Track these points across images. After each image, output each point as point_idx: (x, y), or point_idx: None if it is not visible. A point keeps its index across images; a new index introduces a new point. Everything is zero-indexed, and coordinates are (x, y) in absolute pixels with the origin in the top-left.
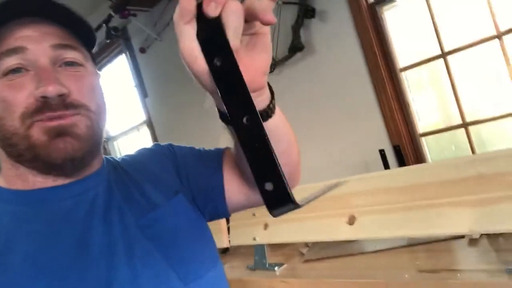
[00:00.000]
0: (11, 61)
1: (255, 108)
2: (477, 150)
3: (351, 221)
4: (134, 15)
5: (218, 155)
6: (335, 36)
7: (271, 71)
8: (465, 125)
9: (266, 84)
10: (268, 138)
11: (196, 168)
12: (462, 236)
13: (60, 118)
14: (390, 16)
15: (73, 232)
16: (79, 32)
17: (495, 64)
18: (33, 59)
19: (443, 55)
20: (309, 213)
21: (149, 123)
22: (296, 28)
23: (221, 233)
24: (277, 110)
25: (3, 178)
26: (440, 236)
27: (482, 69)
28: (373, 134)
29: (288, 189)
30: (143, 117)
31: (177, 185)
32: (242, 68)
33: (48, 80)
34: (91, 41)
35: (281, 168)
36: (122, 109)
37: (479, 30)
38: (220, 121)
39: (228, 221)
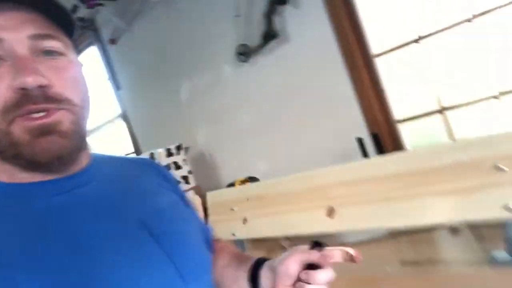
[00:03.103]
0: None
1: None
2: (455, 136)
3: (330, 213)
4: (101, 4)
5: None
6: (308, 23)
7: (245, 61)
8: (442, 110)
9: None
10: None
11: None
12: (445, 226)
13: (43, 116)
14: (362, 1)
15: (67, 229)
16: (58, 19)
17: (472, 47)
18: (10, 49)
19: (418, 39)
20: (288, 206)
21: (124, 117)
22: (269, 15)
23: None
24: None
25: None
26: (422, 227)
27: (457, 54)
28: (350, 122)
29: None
30: (118, 110)
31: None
32: None
33: (26, 70)
34: (71, 28)
35: None
36: (96, 103)
37: (455, 12)
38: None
39: (206, 216)
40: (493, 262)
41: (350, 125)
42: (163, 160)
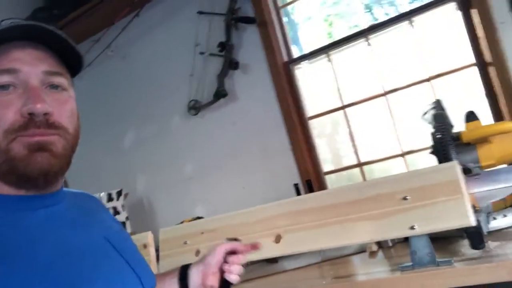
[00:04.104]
0: (2, 79)
1: None
2: None
3: (278, 239)
4: None
5: None
6: (255, 86)
7: (195, 114)
8: (360, 165)
9: None
10: None
11: None
12: (364, 251)
13: (41, 134)
14: (300, 73)
15: (54, 236)
16: (69, 58)
17: (383, 116)
18: (24, 80)
19: (343, 107)
20: (241, 236)
21: None
22: (221, 77)
23: (150, 263)
24: None
25: None
26: (348, 249)
27: (374, 119)
28: (286, 171)
29: None
30: None
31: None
32: None
33: (37, 99)
34: (78, 68)
35: None
36: None
37: (371, 88)
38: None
39: (157, 250)
40: (403, 270)
41: (286, 174)
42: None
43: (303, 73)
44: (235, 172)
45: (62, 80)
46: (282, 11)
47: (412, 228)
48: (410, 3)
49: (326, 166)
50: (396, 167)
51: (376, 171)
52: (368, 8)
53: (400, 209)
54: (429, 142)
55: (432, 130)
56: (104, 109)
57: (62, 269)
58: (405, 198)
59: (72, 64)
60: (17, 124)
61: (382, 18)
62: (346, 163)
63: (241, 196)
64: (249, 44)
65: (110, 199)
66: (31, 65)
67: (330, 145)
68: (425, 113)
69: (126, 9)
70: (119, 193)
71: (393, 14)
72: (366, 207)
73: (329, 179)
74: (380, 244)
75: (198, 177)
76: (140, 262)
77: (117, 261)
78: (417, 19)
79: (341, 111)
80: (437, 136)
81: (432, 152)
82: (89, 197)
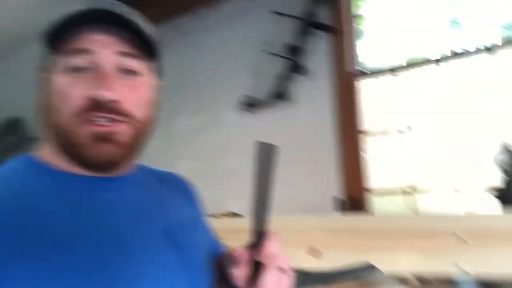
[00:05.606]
0: (77, 60)
1: None
2: (418, 211)
3: (313, 253)
4: None
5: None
6: (313, 93)
7: (249, 110)
8: (409, 191)
9: None
10: None
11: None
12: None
13: (108, 125)
14: (363, 86)
15: (106, 221)
16: (144, 41)
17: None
18: (97, 62)
19: (402, 128)
20: None
21: None
22: (283, 79)
23: None
24: None
25: (47, 153)
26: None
27: (433, 146)
28: (329, 183)
29: None
30: None
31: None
32: None
33: (104, 84)
34: (156, 53)
35: None
36: None
37: (435, 113)
38: None
39: None
40: None
41: (328, 185)
42: None
43: (366, 87)
44: (277, 173)
45: (135, 64)
46: (355, 22)
47: (463, 270)
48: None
49: (372, 185)
50: (447, 201)
51: (425, 201)
52: (448, 32)
53: (454, 249)
54: (491, 183)
55: (503, 175)
56: (165, 91)
57: (105, 257)
58: (462, 239)
59: (151, 48)
60: (84, 107)
61: (460, 44)
62: (394, 185)
63: (278, 199)
64: (316, 50)
65: None
66: (104, 46)
67: (381, 165)
68: (498, 156)
69: None
70: None
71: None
72: (417, 239)
73: (373, 199)
74: (422, 281)
75: (239, 172)
76: (201, 260)
77: (170, 256)
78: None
79: (399, 134)
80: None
81: (498, 197)
82: (177, 179)
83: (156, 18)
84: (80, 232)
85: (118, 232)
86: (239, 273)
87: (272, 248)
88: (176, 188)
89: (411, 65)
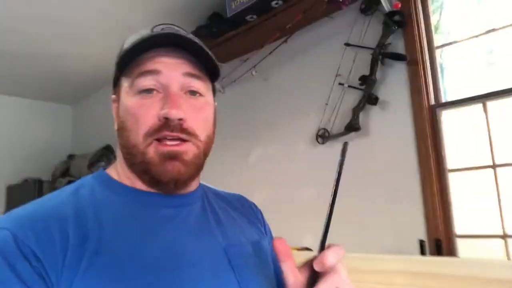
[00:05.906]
0: (146, 81)
1: None
2: None
3: None
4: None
5: None
6: (391, 126)
7: (323, 143)
8: (503, 236)
9: None
10: None
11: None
12: None
13: (174, 144)
14: (447, 119)
15: (167, 238)
16: (206, 65)
17: None
18: (165, 83)
19: (494, 166)
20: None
21: None
22: (356, 110)
23: None
24: None
25: (116, 171)
26: None
27: None
28: (411, 224)
29: None
30: None
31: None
32: None
33: (173, 104)
34: (215, 74)
35: None
36: None
37: None
38: None
39: None
40: None
41: (410, 227)
42: None
43: (449, 120)
44: (354, 210)
45: (200, 85)
46: (436, 52)
47: None
48: None
49: (460, 229)
50: None
51: None
52: None
53: None
54: None
55: None
56: (240, 123)
57: (162, 273)
58: None
59: (211, 71)
60: (154, 126)
61: None
62: (486, 230)
63: (355, 237)
64: (393, 81)
65: None
66: (171, 68)
67: (470, 206)
68: None
69: (277, 34)
70: None
71: None
72: None
73: (461, 244)
74: None
75: (312, 205)
76: (258, 282)
77: (227, 278)
78: None
79: (490, 169)
80: None
81: None
82: (242, 201)
83: (231, 53)
84: (138, 246)
85: (179, 249)
86: (295, 281)
87: (332, 259)
88: (241, 210)
89: (499, 93)
